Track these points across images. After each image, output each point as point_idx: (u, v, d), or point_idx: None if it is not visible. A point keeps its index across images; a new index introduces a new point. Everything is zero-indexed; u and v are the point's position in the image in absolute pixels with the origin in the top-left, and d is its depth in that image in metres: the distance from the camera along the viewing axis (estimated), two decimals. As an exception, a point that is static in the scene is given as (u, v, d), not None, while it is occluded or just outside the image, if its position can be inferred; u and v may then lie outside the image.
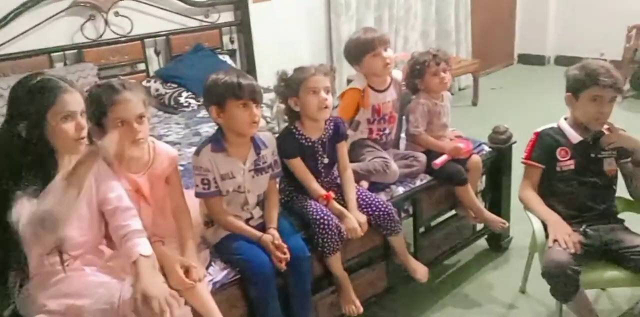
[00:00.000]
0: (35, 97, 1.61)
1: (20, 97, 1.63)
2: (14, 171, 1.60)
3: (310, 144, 2.21)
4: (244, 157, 2.03)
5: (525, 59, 6.81)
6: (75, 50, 3.51)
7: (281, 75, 2.21)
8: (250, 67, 4.26)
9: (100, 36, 3.61)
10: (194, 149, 2.89)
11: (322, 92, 2.13)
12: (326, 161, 2.26)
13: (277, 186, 2.21)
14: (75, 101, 1.65)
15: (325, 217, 2.12)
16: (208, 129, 3.15)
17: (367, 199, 2.29)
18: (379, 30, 2.63)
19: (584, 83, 2.19)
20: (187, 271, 1.78)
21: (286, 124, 2.32)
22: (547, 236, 2.19)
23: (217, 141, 2.00)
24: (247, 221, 2.07)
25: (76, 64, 3.46)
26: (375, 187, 2.42)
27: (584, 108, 2.23)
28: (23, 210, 1.55)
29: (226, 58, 4.06)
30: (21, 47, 3.32)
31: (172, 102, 3.64)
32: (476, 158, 2.69)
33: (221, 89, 1.92)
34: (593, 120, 2.24)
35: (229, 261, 1.98)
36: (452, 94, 4.51)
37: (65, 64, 3.45)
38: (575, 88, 2.23)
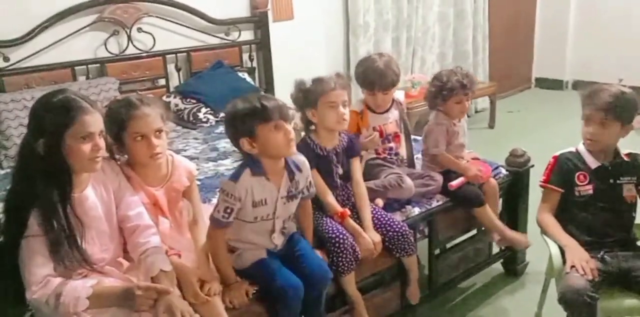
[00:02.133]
0: (56, 116, 1.61)
1: (41, 114, 1.63)
2: (30, 184, 1.61)
3: (325, 153, 2.22)
4: (279, 183, 1.94)
5: (543, 83, 6.80)
6: (98, 65, 3.56)
7: (299, 85, 2.20)
8: (268, 85, 4.31)
9: (123, 51, 3.67)
10: (211, 164, 2.94)
11: (340, 106, 2.15)
12: (340, 171, 2.26)
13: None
14: (95, 122, 1.65)
15: (341, 236, 2.11)
16: (225, 144, 3.17)
17: (382, 219, 2.28)
18: (394, 53, 2.66)
19: (582, 102, 2.25)
20: (202, 286, 1.79)
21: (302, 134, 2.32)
22: (564, 261, 2.16)
23: (256, 166, 1.89)
24: (268, 251, 2.01)
25: (98, 77, 3.51)
26: (390, 206, 2.42)
27: (582, 126, 2.26)
28: (36, 273, 1.58)
29: (245, 75, 4.10)
30: (46, 60, 3.37)
31: (191, 118, 3.68)
32: (493, 182, 2.67)
33: (247, 117, 1.82)
34: (583, 137, 2.26)
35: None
36: (468, 116, 4.53)
37: (87, 78, 3.50)
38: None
